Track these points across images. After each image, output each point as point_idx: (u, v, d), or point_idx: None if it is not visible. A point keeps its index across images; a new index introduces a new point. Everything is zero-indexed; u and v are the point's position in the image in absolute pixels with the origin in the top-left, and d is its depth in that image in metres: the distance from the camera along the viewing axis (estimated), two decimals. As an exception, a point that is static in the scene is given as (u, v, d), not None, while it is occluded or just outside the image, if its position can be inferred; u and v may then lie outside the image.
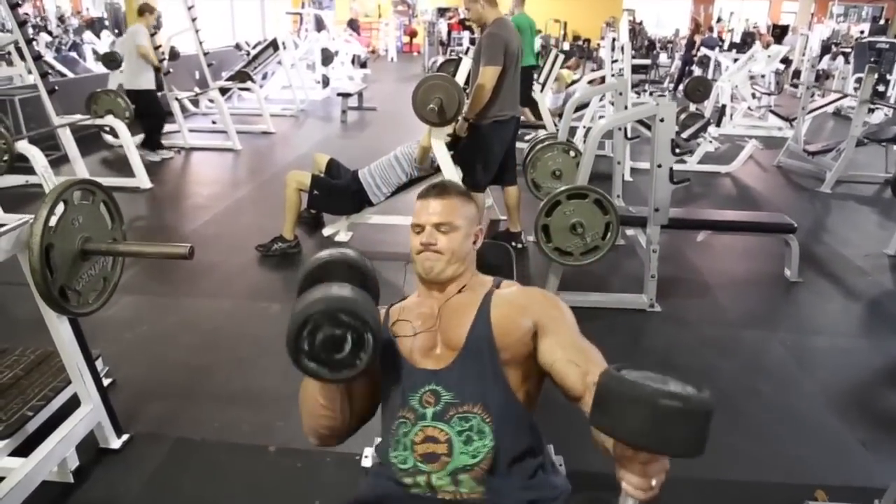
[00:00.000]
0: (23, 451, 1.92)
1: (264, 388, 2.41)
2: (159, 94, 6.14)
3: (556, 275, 3.11)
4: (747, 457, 2.10)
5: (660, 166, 2.85)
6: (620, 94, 3.67)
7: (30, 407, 2.01)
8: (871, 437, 2.21)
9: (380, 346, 1.12)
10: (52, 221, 1.56)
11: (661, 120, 2.78)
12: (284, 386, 2.37)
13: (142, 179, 4.86)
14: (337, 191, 3.81)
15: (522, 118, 4.13)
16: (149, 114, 5.75)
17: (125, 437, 2.08)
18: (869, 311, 3.30)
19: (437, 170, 3.62)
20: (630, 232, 3.75)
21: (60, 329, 1.78)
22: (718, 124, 7.67)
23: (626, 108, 3.69)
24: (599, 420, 0.90)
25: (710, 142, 6.21)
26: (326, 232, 4.03)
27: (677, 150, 2.83)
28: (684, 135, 5.99)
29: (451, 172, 3.38)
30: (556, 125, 5.16)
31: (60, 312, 1.68)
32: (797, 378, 2.58)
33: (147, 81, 5.80)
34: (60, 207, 1.61)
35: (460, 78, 3.32)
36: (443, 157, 3.31)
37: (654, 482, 0.95)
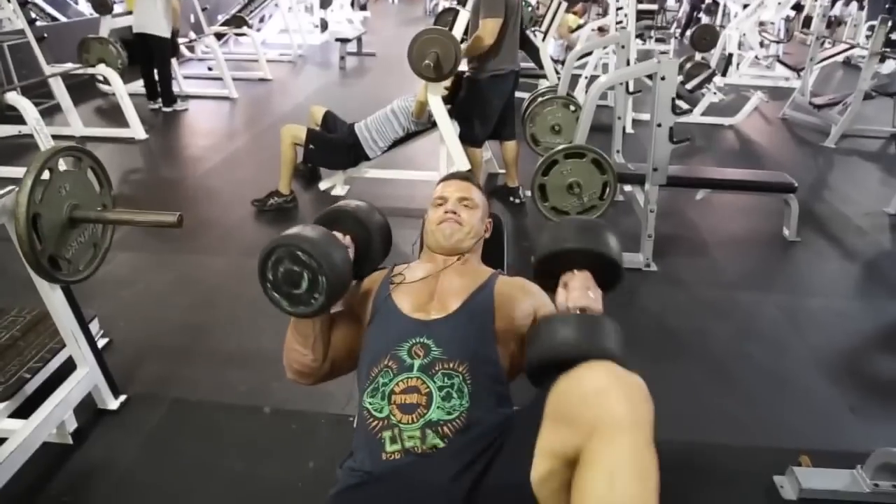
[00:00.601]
0: (22, 412, 1.95)
1: (259, 348, 2.43)
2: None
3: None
4: (736, 420, 2.13)
5: (660, 125, 2.80)
6: (623, 46, 3.56)
7: (27, 369, 2.03)
8: (860, 402, 2.24)
9: (339, 293, 1.23)
10: (38, 191, 1.53)
11: (662, 78, 2.71)
12: (279, 347, 2.36)
13: (136, 130, 4.79)
14: (333, 145, 3.76)
15: None
16: (161, 63, 5.54)
17: (122, 397, 2.11)
18: (865, 272, 3.30)
19: (435, 124, 3.56)
20: (628, 188, 3.71)
21: (52, 296, 1.78)
22: (724, 74, 7.49)
23: (628, 61, 3.59)
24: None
25: (715, 93, 6.08)
26: (323, 186, 4.00)
27: (678, 109, 2.76)
28: (689, 85, 5.86)
29: (448, 128, 3.32)
30: (557, 73, 5.02)
31: (51, 281, 1.68)
32: (789, 341, 2.59)
33: (165, 28, 5.44)
34: (46, 175, 1.58)
35: (458, 30, 3.22)
36: (439, 112, 3.25)
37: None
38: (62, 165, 1.65)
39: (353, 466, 1.19)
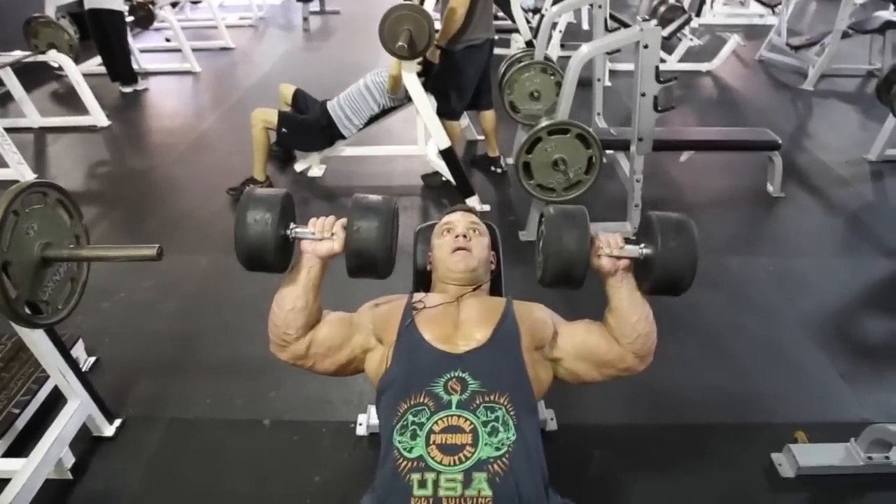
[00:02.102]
0: (15, 447, 1.92)
1: (252, 355, 2.38)
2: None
3: (538, 208, 3.05)
4: (732, 398, 2.16)
5: (643, 95, 2.73)
6: (600, 6, 3.44)
7: (15, 403, 1.98)
8: (850, 368, 2.28)
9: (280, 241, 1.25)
10: (5, 238, 1.45)
11: (646, 46, 2.63)
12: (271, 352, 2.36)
13: (97, 117, 4.58)
14: (306, 126, 3.63)
15: None
16: (119, 39, 5.22)
17: (118, 422, 2.07)
18: (849, 226, 3.31)
19: (411, 99, 3.44)
20: (610, 150, 3.66)
21: (34, 337, 1.71)
22: (698, 14, 7.34)
23: (605, 22, 3.47)
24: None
25: (691, 39, 5.96)
26: (299, 167, 3.89)
27: (662, 79, 2.69)
28: (665, 32, 5.72)
29: (424, 103, 3.22)
30: (530, 24, 4.82)
31: (32, 328, 1.61)
32: (780, 308, 2.62)
33: (117, 1, 5.12)
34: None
35: (429, 4, 3.08)
36: (415, 89, 3.14)
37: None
38: (27, 206, 1.54)
39: None
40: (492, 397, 1.19)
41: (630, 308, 1.33)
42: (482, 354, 1.28)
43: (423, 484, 1.08)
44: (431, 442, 1.13)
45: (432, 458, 1.11)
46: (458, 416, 1.16)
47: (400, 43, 2.73)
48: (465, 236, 1.56)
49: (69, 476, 1.88)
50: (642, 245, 1.30)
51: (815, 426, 1.98)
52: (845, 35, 5.20)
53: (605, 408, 2.13)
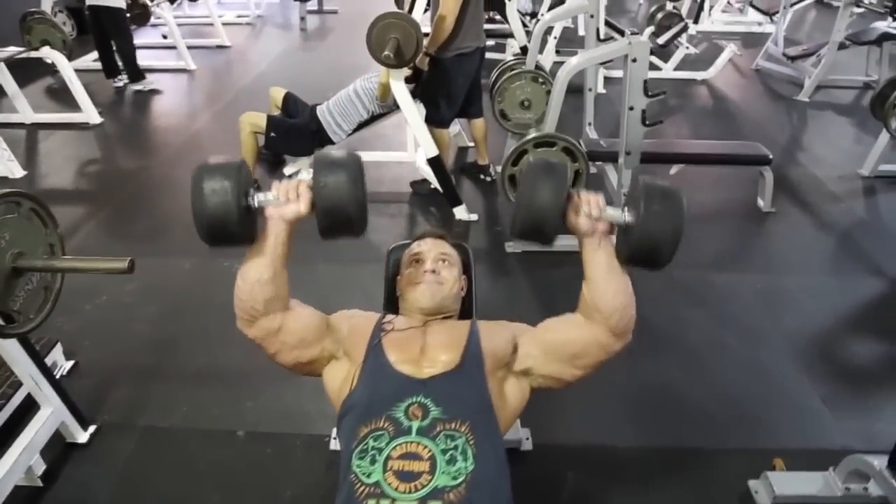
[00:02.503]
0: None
1: (230, 364, 2.37)
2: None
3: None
4: (711, 421, 2.14)
5: (632, 108, 2.71)
6: (592, 16, 3.42)
7: (-12, 408, 1.97)
8: (832, 392, 2.26)
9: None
10: (-27, 249, 1.43)
11: (634, 60, 2.61)
12: (251, 360, 2.30)
13: (90, 114, 4.56)
14: (295, 131, 3.61)
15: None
16: (120, 36, 5.18)
17: (92, 428, 2.06)
18: (839, 244, 3.30)
19: (398, 106, 3.43)
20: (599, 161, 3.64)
21: (5, 344, 1.70)
22: (696, 21, 7.34)
23: (598, 32, 3.45)
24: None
25: (687, 47, 5.95)
26: (288, 171, 3.86)
27: (651, 93, 2.67)
28: (661, 40, 5.72)
29: (413, 112, 3.20)
30: (526, 27, 4.79)
31: (1, 338, 1.59)
32: (764, 328, 2.60)
33: None
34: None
35: (417, 12, 3.06)
36: (403, 98, 3.12)
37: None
38: (-2, 215, 1.53)
39: None
40: (453, 425, 1.17)
41: (607, 278, 1.25)
42: (446, 380, 1.26)
43: None
44: (389, 468, 1.12)
45: (389, 485, 1.10)
46: (417, 444, 1.14)
47: (386, 52, 2.71)
48: (433, 271, 1.52)
49: (39, 483, 1.86)
50: (626, 209, 1.23)
51: (795, 452, 1.97)
52: (842, 46, 5.18)
53: (582, 428, 2.11)
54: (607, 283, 1.25)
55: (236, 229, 1.19)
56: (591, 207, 1.22)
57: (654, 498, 1.88)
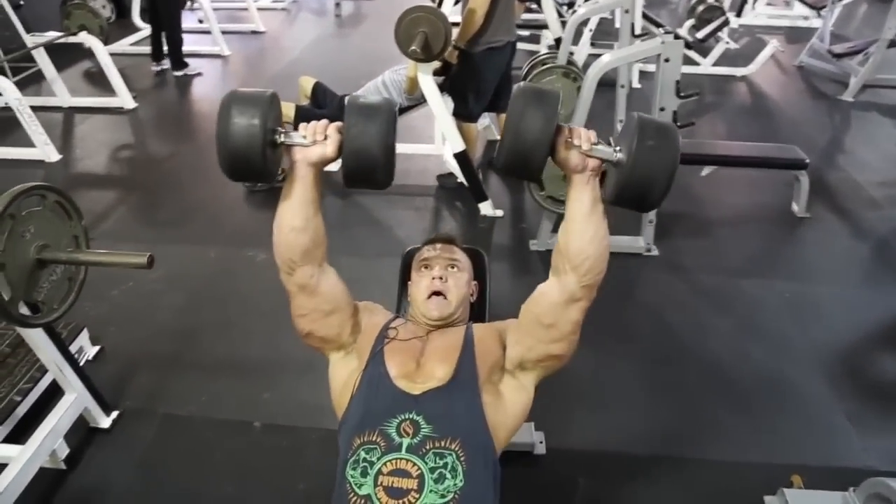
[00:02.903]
0: (16, 434, 1.97)
1: (249, 355, 2.41)
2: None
3: (550, 219, 3.00)
4: (731, 433, 2.10)
5: (663, 109, 2.65)
6: (626, 11, 3.35)
7: (18, 391, 2.03)
8: (857, 409, 2.20)
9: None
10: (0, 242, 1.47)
11: (667, 60, 2.55)
12: (269, 352, 2.38)
13: (125, 99, 4.64)
14: (324, 121, 3.61)
15: None
16: (171, 23, 5.25)
17: (114, 414, 2.11)
18: (875, 253, 3.18)
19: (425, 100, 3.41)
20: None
21: (31, 333, 1.75)
22: (739, 14, 7.13)
23: (633, 27, 3.37)
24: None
25: (728, 42, 5.78)
26: (316, 160, 3.89)
27: (683, 94, 2.60)
28: (700, 34, 5.58)
29: (440, 106, 3.18)
30: (563, 17, 4.70)
31: (25, 327, 1.64)
32: (791, 338, 2.53)
33: None
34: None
35: (447, 6, 3.03)
36: (430, 91, 3.10)
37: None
38: (24, 209, 1.57)
39: None
40: (443, 443, 1.17)
41: (586, 220, 1.20)
42: (438, 396, 1.25)
43: None
44: (379, 483, 1.13)
45: (378, 499, 1.11)
46: (407, 461, 1.15)
47: (414, 47, 2.69)
48: (441, 278, 1.51)
49: (63, 466, 1.92)
50: (618, 147, 1.17)
51: (814, 469, 1.92)
52: (892, 44, 4.96)
53: (596, 433, 2.10)
54: (586, 225, 1.20)
55: (258, 163, 1.16)
56: (581, 141, 1.17)
57: (666, 511, 1.86)
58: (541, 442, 2.01)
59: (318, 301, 1.35)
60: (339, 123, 1.21)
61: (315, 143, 1.21)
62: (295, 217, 1.25)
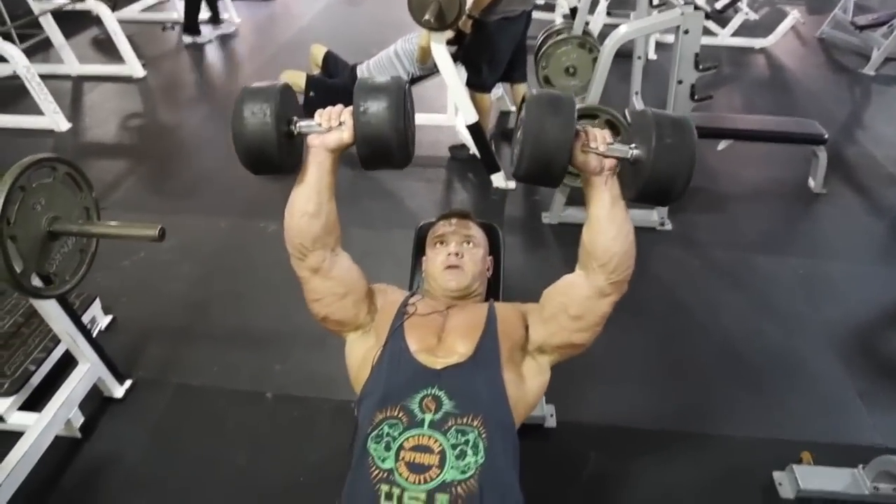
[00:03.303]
0: (31, 403, 1.99)
1: (261, 327, 2.42)
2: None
3: (563, 192, 2.98)
4: (741, 409, 2.10)
5: (680, 82, 2.59)
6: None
7: (32, 360, 2.05)
8: (869, 388, 2.18)
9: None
10: (11, 213, 1.46)
11: (686, 32, 2.48)
12: (281, 324, 2.38)
13: (134, 67, 4.60)
14: (334, 91, 3.57)
15: None
16: None
17: (128, 383, 2.13)
18: (892, 230, 3.12)
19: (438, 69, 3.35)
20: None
21: (44, 305, 1.76)
22: (760, -18, 6.93)
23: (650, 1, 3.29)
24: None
25: (747, 12, 5.64)
26: (327, 131, 3.86)
27: (702, 67, 2.54)
28: (719, 4, 5.43)
29: (453, 76, 3.13)
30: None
31: (38, 298, 1.64)
32: (804, 315, 2.51)
33: None
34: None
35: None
36: (443, 61, 3.04)
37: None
38: (34, 181, 1.56)
39: None
40: (465, 420, 1.17)
41: (609, 219, 1.20)
42: (460, 372, 1.25)
43: (389, 496, 1.10)
44: (401, 458, 1.13)
45: (400, 475, 1.11)
46: (429, 437, 1.15)
47: (427, 16, 2.64)
48: (457, 254, 1.50)
49: (78, 435, 1.95)
50: (633, 145, 1.16)
51: (824, 447, 1.92)
52: (917, 16, 4.84)
53: (607, 408, 2.10)
54: (609, 224, 1.20)
55: (276, 155, 1.17)
56: (598, 144, 1.17)
57: (675, 483, 1.86)
58: (552, 415, 2.01)
59: (332, 284, 1.35)
60: (352, 108, 1.20)
61: (331, 129, 1.21)
62: (309, 202, 1.25)
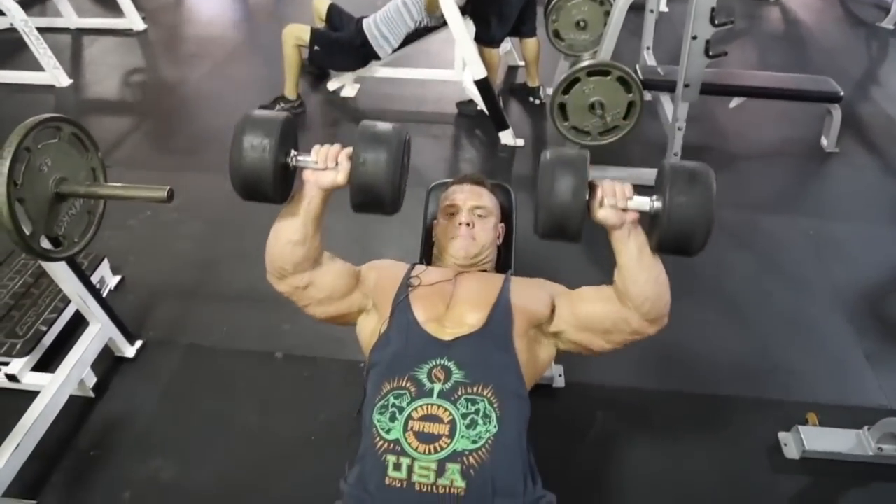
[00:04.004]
0: (44, 363, 2.01)
1: (269, 286, 2.39)
2: None
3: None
4: (746, 369, 2.11)
5: (695, 38, 2.52)
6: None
7: (43, 321, 2.06)
8: (875, 349, 2.19)
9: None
10: (18, 174, 1.44)
11: (702, -16, 2.40)
12: None
13: (133, 20, 4.49)
14: (339, 45, 3.50)
15: None
16: None
17: (138, 343, 2.15)
18: (904, 191, 3.10)
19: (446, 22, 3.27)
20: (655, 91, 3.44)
21: (52, 267, 1.76)
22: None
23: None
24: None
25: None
26: (331, 86, 3.80)
27: (717, 22, 2.47)
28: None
29: (461, 29, 3.05)
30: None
31: (47, 261, 1.64)
32: (812, 277, 2.50)
33: None
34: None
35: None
36: (452, 14, 2.96)
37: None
38: (40, 142, 1.53)
39: (356, 493, 1.16)
40: (475, 389, 1.18)
41: (638, 267, 1.21)
42: (470, 343, 1.25)
43: (398, 467, 1.11)
44: (409, 428, 1.14)
45: (408, 444, 1.12)
46: (438, 406, 1.16)
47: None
48: (468, 224, 1.49)
49: (91, 394, 1.97)
50: (654, 197, 1.17)
51: (830, 408, 1.94)
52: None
53: (615, 369, 2.10)
54: (639, 273, 1.22)
55: (271, 189, 1.20)
56: (616, 199, 1.16)
57: (681, 443, 1.89)
58: (560, 375, 2.03)
59: (317, 293, 1.36)
60: (350, 150, 1.21)
61: (327, 169, 1.22)
62: (296, 232, 1.26)
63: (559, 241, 1.21)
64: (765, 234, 2.73)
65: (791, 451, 1.84)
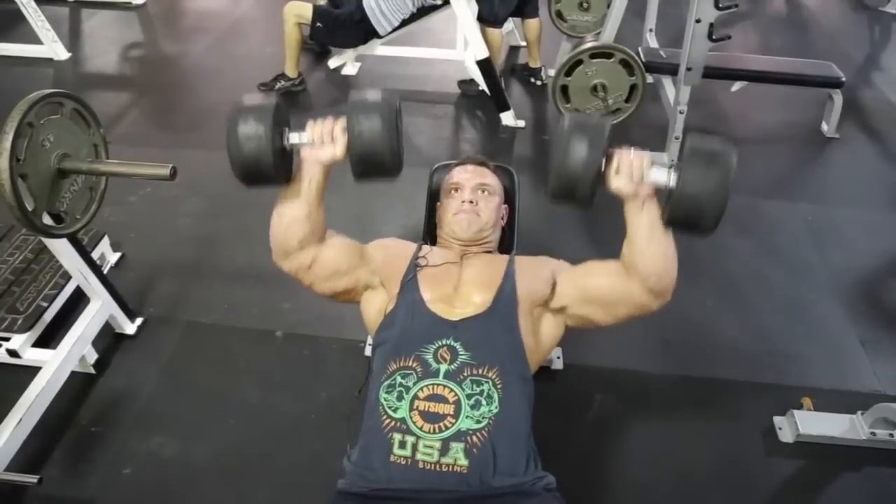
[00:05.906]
0: (45, 339, 2.01)
1: (269, 264, 2.34)
2: None
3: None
4: (743, 353, 2.13)
5: (699, 21, 2.50)
6: None
7: (44, 296, 2.06)
8: (872, 335, 2.21)
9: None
10: (20, 150, 1.44)
11: (708, -34, 2.38)
12: None
13: (132, -7, 4.45)
14: (341, 22, 3.46)
15: None
16: None
17: (139, 321, 2.15)
18: (903, 177, 3.11)
19: (448, 1, 3.24)
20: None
21: (54, 244, 1.75)
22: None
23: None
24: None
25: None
26: (332, 64, 3.77)
27: (721, 5, 2.45)
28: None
29: (463, 7, 3.02)
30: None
31: (49, 237, 1.64)
32: (810, 262, 2.52)
33: None
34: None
35: None
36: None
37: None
38: (42, 117, 1.52)
39: (360, 471, 1.18)
40: (480, 370, 1.19)
41: (647, 241, 1.20)
42: (477, 324, 1.26)
43: (402, 445, 1.13)
44: (415, 407, 1.16)
45: (414, 423, 1.14)
46: (444, 387, 1.17)
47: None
48: (472, 202, 1.49)
49: (92, 371, 1.98)
50: (671, 171, 1.15)
51: (825, 393, 1.96)
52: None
53: (613, 351, 2.12)
54: (648, 246, 1.21)
55: (272, 172, 1.21)
56: (633, 170, 1.16)
57: (678, 425, 1.91)
58: (559, 357, 2.04)
59: (321, 270, 1.37)
60: (344, 123, 1.22)
61: (323, 145, 1.23)
62: (299, 209, 1.28)
63: (569, 203, 1.20)
64: (763, 218, 2.74)
65: (786, 435, 1.86)
